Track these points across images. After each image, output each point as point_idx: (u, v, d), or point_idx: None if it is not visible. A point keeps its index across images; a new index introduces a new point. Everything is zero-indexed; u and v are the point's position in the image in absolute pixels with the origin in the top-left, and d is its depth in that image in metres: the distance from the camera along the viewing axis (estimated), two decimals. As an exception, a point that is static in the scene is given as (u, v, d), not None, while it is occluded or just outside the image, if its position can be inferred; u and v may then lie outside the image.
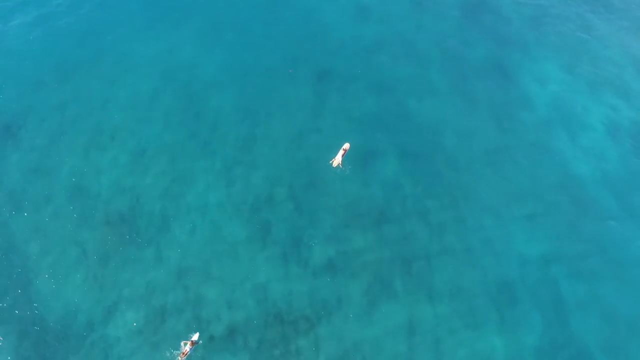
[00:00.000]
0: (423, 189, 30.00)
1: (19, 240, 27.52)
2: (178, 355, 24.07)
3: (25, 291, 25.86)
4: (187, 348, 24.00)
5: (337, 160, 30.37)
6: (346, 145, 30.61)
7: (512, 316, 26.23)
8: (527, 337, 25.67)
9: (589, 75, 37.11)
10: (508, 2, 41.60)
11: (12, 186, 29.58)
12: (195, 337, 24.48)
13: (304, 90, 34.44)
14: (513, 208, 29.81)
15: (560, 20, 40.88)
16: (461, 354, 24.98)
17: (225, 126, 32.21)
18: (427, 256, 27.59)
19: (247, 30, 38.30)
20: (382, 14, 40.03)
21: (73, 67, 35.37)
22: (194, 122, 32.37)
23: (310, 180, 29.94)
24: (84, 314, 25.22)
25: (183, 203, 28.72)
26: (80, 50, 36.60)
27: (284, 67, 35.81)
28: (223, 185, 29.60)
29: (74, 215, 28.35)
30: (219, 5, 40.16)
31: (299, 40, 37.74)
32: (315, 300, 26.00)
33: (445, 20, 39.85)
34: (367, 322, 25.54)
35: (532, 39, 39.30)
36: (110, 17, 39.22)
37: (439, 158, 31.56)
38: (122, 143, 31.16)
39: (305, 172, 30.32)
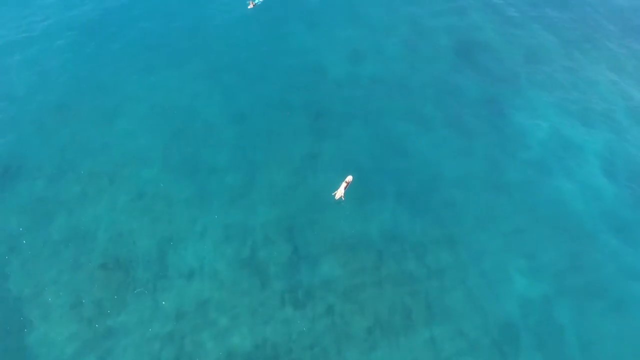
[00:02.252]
0: (421, 230, 29.93)
1: (12, 285, 27.23)
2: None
3: (16, 339, 25.37)
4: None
5: (340, 192, 30.63)
6: (349, 178, 30.90)
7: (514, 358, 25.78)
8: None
9: (581, 111, 37.62)
10: (499, 43, 42.62)
11: (8, 228, 29.51)
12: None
13: (301, 131, 34.79)
14: (512, 247, 29.67)
15: (551, 58, 41.81)
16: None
17: (223, 168, 32.35)
18: (427, 299, 27.29)
19: (244, 72, 39.03)
20: (376, 55, 40.91)
21: (73, 109, 35.89)
22: (192, 164, 32.52)
23: (308, 222, 29.87)
24: (78, 363, 24.66)
25: (181, 247, 28.54)
26: (80, 92, 37.19)
27: (282, 107, 36.29)
28: (221, 228, 29.48)
29: (70, 259, 28.13)
30: (216, 48, 41.07)
31: (295, 81, 38.40)
32: (315, 345, 25.54)
33: (438, 61, 40.69)
34: (368, 366, 24.99)
35: (524, 77, 40.04)
36: (111, 60, 40.02)
37: (436, 197, 31.62)
38: (120, 186, 31.24)
39: (303, 213, 30.28)
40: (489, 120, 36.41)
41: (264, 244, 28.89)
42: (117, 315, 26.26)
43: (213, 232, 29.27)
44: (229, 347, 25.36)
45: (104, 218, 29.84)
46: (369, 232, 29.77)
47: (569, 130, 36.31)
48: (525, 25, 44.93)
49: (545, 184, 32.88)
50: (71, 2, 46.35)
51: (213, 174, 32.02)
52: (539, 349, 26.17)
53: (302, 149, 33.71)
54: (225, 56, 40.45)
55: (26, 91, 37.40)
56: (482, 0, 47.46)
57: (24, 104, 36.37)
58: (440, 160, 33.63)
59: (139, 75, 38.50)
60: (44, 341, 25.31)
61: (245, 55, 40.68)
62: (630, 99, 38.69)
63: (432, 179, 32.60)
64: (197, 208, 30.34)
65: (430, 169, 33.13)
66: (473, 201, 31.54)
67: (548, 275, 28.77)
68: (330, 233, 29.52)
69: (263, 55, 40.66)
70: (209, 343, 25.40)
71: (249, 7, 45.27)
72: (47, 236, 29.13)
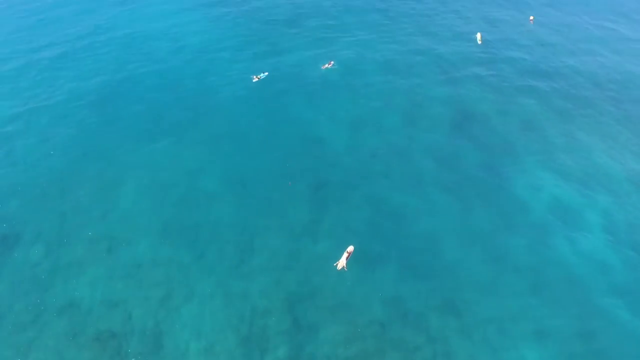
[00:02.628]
0: (424, 298, 29.20)
1: (-1, 361, 26.17)
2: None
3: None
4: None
5: (342, 262, 30.39)
6: (350, 248, 30.88)
7: None
8: None
9: (578, 177, 38.05)
10: (494, 113, 44.13)
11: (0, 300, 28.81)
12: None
13: (301, 200, 35.04)
14: (516, 314, 28.76)
15: (544, 127, 43.00)
16: None
17: (223, 237, 32.22)
18: (433, 375, 26.05)
19: (246, 144, 40.04)
20: (375, 127, 42.23)
21: (76, 177, 36.47)
22: (192, 233, 32.45)
23: (309, 293, 29.21)
24: None
25: (177, 319, 27.71)
26: (84, 160, 38.03)
27: (282, 177, 36.79)
28: (220, 298, 28.80)
29: (63, 332, 27.22)
30: (218, 120, 42.56)
31: (296, 152, 39.30)
32: None
33: (435, 132, 41.89)
34: None
35: (520, 145, 40.93)
36: (116, 129, 41.33)
37: (437, 264, 31.17)
38: (119, 256, 30.95)
39: (304, 283, 29.70)
40: (488, 187, 36.75)
41: (263, 314, 28.06)
42: (108, 392, 25.02)
43: (211, 302, 28.54)
44: None
45: (100, 287, 29.25)
46: (370, 300, 29.04)
47: (567, 196, 36.53)
48: (517, 95, 46.83)
49: (547, 250, 32.54)
50: (84, 74, 48.72)
51: (213, 243, 31.80)
52: None
53: (303, 217, 33.74)
54: (226, 127, 41.73)
55: (31, 159, 38.22)
56: (475, 73, 49.82)
57: (28, 172, 37.00)
58: (441, 227, 33.54)
59: (142, 144, 39.47)
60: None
61: (245, 127, 41.94)
62: (625, 167, 39.26)
63: (433, 246, 32.32)
64: (195, 278, 29.80)
65: (431, 236, 32.94)
66: (475, 267, 31.07)
67: (555, 343, 27.55)
68: (331, 302, 28.77)
69: (265, 126, 41.95)
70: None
71: (253, 80, 47.47)
72: (41, 308, 28.35)
